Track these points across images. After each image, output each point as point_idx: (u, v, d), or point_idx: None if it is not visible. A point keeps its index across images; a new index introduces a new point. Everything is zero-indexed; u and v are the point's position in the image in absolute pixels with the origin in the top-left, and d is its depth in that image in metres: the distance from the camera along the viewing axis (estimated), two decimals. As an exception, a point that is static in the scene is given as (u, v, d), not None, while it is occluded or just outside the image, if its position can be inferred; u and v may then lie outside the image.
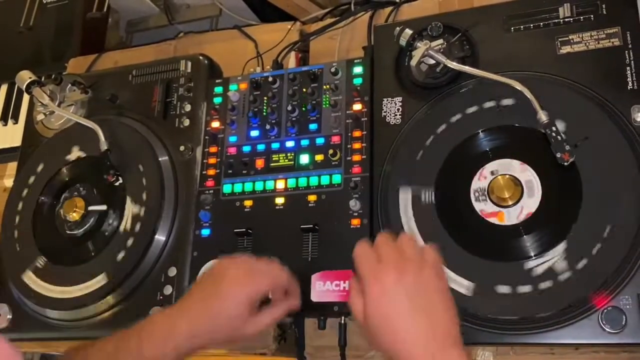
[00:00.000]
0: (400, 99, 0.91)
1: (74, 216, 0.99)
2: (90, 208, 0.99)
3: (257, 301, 0.75)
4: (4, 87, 1.42)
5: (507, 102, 0.83)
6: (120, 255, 0.94)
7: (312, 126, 0.94)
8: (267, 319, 0.76)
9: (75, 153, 1.05)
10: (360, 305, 0.65)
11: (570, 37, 0.84)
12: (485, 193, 0.81)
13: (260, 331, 0.76)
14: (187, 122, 1.02)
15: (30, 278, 0.98)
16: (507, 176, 0.80)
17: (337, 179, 0.89)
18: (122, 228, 0.96)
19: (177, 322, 0.73)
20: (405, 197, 0.84)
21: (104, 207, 0.97)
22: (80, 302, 0.94)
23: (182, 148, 1.00)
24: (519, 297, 0.74)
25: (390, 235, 0.69)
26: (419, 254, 0.66)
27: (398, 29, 0.89)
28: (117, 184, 0.98)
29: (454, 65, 0.85)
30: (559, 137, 0.76)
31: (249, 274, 0.75)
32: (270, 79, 0.99)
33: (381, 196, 0.86)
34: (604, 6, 0.84)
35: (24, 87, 1.08)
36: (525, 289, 0.74)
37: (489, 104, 0.84)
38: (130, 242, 0.94)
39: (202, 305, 0.74)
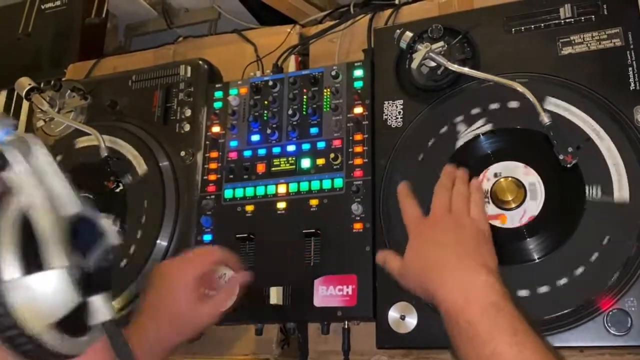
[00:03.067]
0: (401, 101, 0.90)
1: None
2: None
3: (199, 288, 0.79)
4: (3, 93, 1.42)
5: (512, 104, 0.83)
6: (123, 262, 0.93)
7: (313, 130, 0.93)
8: (210, 306, 0.80)
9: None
10: (398, 261, 0.73)
11: (571, 37, 0.84)
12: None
13: (211, 320, 0.81)
14: (187, 127, 1.01)
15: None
16: (510, 179, 0.80)
17: (338, 182, 0.89)
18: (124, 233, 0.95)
19: (136, 340, 0.74)
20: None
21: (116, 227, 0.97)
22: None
23: (182, 153, 0.99)
24: (521, 301, 0.73)
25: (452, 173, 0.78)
26: (463, 209, 0.73)
27: (398, 31, 0.89)
28: (117, 190, 0.98)
29: (455, 67, 0.85)
30: (561, 138, 0.76)
31: (181, 265, 0.81)
32: (270, 83, 0.99)
33: (383, 199, 0.86)
34: (605, 6, 0.84)
35: (23, 94, 1.08)
36: (524, 292, 0.74)
37: (493, 106, 0.84)
38: (132, 248, 0.94)
39: (152, 313, 0.79)
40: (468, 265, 0.67)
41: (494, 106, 0.84)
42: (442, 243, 0.70)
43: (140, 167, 0.99)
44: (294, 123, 0.95)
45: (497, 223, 0.79)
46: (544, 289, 0.74)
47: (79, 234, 0.48)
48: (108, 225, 0.53)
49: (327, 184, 0.89)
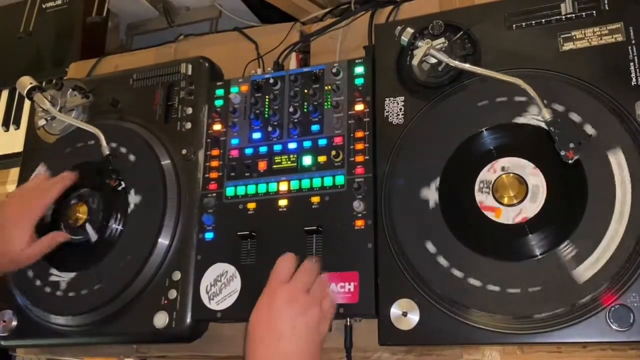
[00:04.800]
0: (402, 98, 0.90)
1: (77, 222, 0.98)
2: (87, 228, 0.98)
3: (31, 230, 0.94)
4: (5, 92, 1.42)
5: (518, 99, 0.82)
6: (125, 260, 0.93)
7: (315, 127, 0.93)
8: (35, 249, 0.94)
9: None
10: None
11: (572, 33, 0.84)
12: (490, 187, 0.80)
13: (32, 260, 0.95)
14: (188, 125, 1.01)
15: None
16: (513, 175, 0.80)
17: (340, 180, 0.89)
18: (125, 232, 0.96)
19: None
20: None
21: (95, 237, 0.99)
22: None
23: (184, 151, 0.99)
24: (511, 296, 0.74)
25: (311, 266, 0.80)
26: (318, 297, 0.77)
27: (399, 28, 0.89)
28: (119, 188, 0.98)
29: (455, 63, 0.85)
30: (562, 134, 0.76)
31: (23, 207, 0.95)
32: (271, 80, 0.98)
33: (385, 196, 0.86)
34: (606, 1, 0.83)
35: (24, 93, 1.08)
36: (516, 290, 0.74)
37: (500, 99, 0.84)
38: (134, 246, 0.94)
39: None
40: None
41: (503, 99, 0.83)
42: (282, 334, 0.73)
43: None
44: (295, 120, 0.95)
45: (491, 215, 0.79)
46: (545, 286, 0.74)
47: None
48: None
49: (328, 181, 0.89)
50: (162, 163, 0.99)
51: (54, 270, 0.98)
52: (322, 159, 0.91)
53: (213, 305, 0.88)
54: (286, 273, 0.78)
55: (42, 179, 1.01)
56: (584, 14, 0.84)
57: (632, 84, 0.78)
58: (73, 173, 1.00)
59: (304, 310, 0.74)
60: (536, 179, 0.79)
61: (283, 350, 0.71)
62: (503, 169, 0.81)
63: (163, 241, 0.94)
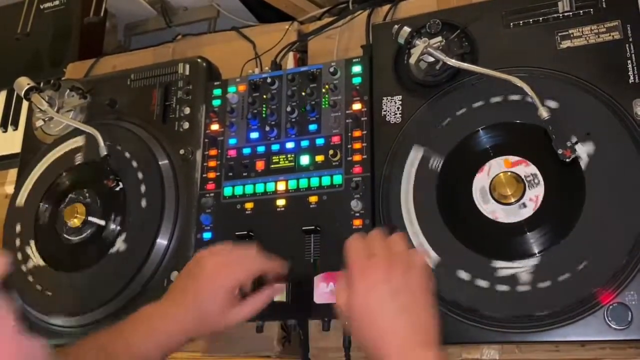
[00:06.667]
0: (399, 97, 0.90)
1: (75, 222, 0.98)
2: (90, 219, 0.98)
3: (235, 292, 0.79)
4: (3, 93, 1.42)
5: (513, 97, 0.82)
6: (123, 260, 0.93)
7: (312, 127, 0.93)
8: (246, 309, 0.80)
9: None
10: (345, 298, 0.68)
11: (570, 31, 0.84)
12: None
13: (241, 321, 0.80)
14: (186, 125, 1.01)
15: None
16: (510, 173, 0.79)
17: (338, 179, 0.88)
18: (123, 233, 0.96)
19: (160, 319, 0.77)
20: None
21: (102, 222, 0.97)
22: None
23: (182, 151, 0.99)
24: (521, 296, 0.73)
25: (384, 232, 0.72)
26: (407, 255, 0.69)
27: (396, 27, 0.89)
28: (117, 189, 0.98)
29: (453, 62, 0.85)
30: (560, 132, 0.75)
31: (225, 266, 0.79)
32: (269, 80, 0.98)
33: (383, 196, 0.86)
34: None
35: (22, 94, 1.08)
36: (525, 287, 0.74)
37: (494, 99, 0.84)
38: (132, 247, 0.94)
39: (183, 300, 0.78)
40: (416, 344, 0.63)
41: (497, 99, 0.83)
42: (391, 307, 0.65)
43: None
44: (293, 120, 0.95)
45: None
46: (544, 284, 0.73)
47: None
48: None
49: (326, 181, 0.89)
50: (160, 163, 0.98)
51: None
52: (319, 158, 0.91)
53: (211, 306, 0.88)
54: (363, 248, 0.70)
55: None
56: (581, 11, 0.84)
57: (630, 81, 0.78)
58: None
59: (401, 283, 0.66)
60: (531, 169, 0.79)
61: (413, 330, 0.64)
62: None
63: (161, 241, 0.94)
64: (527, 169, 0.79)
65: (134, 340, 0.75)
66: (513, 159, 0.80)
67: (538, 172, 0.78)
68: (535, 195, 0.77)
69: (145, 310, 0.79)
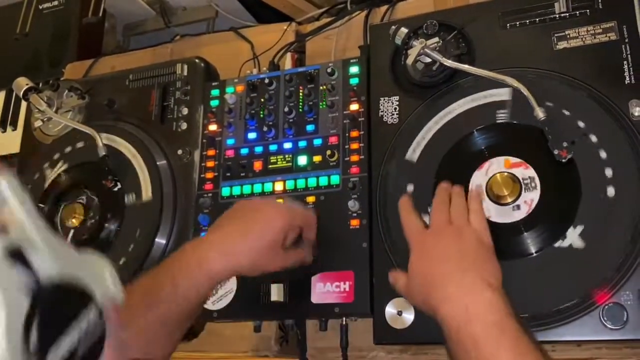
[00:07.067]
0: (397, 98, 0.90)
1: (74, 222, 0.99)
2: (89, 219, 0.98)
3: (288, 237, 0.77)
4: (2, 93, 1.42)
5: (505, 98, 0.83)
6: (122, 261, 0.94)
7: (310, 127, 0.93)
8: (294, 255, 0.79)
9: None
10: (403, 278, 0.74)
11: (566, 32, 0.84)
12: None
13: (285, 267, 0.77)
14: (184, 126, 1.02)
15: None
16: (506, 174, 0.80)
17: (335, 179, 0.89)
18: (122, 232, 0.96)
19: (209, 248, 0.73)
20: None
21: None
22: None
23: (180, 152, 1.00)
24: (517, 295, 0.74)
25: (447, 190, 0.78)
26: (463, 219, 0.73)
27: (393, 27, 0.89)
28: (115, 189, 0.98)
29: (450, 63, 0.85)
30: (556, 133, 0.76)
31: (288, 210, 0.79)
32: (266, 80, 0.99)
33: (380, 196, 0.86)
34: (599, 0, 0.83)
35: (21, 94, 1.08)
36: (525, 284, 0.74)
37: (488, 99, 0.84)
38: (131, 247, 0.94)
39: (238, 229, 0.75)
40: (471, 282, 0.66)
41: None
42: (445, 257, 0.69)
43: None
44: (291, 120, 0.95)
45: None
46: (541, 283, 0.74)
47: (54, 310, 0.37)
48: (102, 282, 0.41)
49: (323, 181, 0.89)
50: (158, 163, 0.99)
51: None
52: (317, 158, 0.91)
53: (209, 305, 0.88)
54: (446, 216, 0.75)
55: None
56: (577, 12, 0.84)
57: (626, 82, 0.78)
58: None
59: (455, 237, 0.71)
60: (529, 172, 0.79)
61: (481, 277, 0.66)
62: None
63: (160, 241, 0.94)
64: (526, 172, 0.79)
65: (175, 281, 0.71)
66: (514, 160, 0.80)
67: (536, 176, 0.78)
68: (530, 198, 0.78)
69: (187, 249, 0.75)
